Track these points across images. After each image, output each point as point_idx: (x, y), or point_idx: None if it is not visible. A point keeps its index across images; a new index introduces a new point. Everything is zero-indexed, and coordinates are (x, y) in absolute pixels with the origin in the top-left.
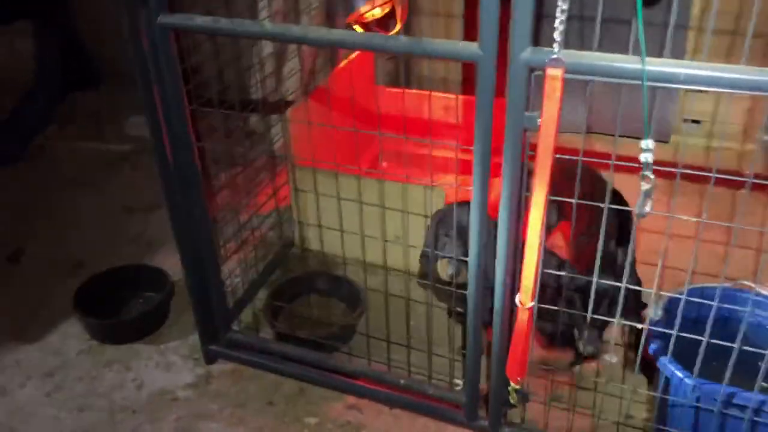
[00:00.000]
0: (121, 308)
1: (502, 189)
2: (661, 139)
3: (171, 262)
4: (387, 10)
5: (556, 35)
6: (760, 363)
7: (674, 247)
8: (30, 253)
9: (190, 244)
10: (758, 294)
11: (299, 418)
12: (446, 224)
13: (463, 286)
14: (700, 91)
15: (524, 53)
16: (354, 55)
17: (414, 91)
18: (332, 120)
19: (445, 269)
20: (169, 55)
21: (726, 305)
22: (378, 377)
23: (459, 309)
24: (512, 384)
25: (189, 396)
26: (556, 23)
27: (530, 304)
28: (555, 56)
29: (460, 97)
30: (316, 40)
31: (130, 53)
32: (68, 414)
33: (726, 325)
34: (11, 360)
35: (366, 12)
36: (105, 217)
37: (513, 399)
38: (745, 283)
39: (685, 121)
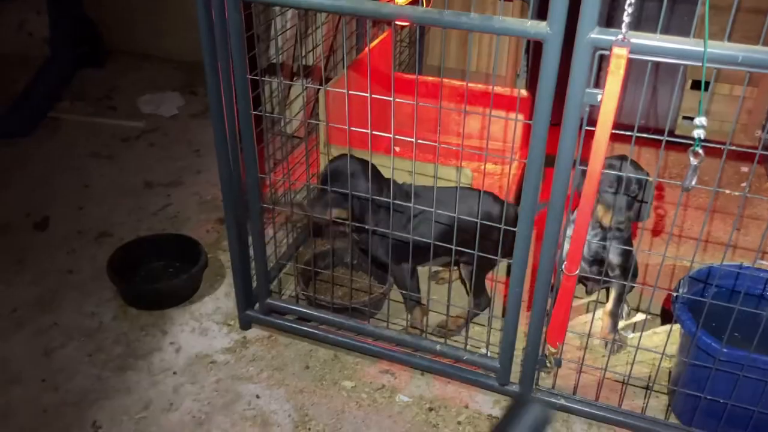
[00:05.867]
0: (152, 276)
1: (556, 164)
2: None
3: (195, 237)
4: None
5: (625, 17)
6: None
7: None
8: (56, 221)
9: (236, 211)
10: None
11: (336, 381)
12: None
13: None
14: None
15: (592, 33)
16: (377, 41)
17: (429, 78)
18: (360, 103)
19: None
20: (237, 26)
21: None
22: (415, 343)
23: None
24: (551, 347)
25: (227, 359)
26: (626, 5)
27: (575, 272)
28: (622, 36)
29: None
30: (388, 14)
31: (200, 24)
32: (111, 373)
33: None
34: (49, 321)
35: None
36: (126, 190)
37: (550, 362)
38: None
39: (685, 118)
